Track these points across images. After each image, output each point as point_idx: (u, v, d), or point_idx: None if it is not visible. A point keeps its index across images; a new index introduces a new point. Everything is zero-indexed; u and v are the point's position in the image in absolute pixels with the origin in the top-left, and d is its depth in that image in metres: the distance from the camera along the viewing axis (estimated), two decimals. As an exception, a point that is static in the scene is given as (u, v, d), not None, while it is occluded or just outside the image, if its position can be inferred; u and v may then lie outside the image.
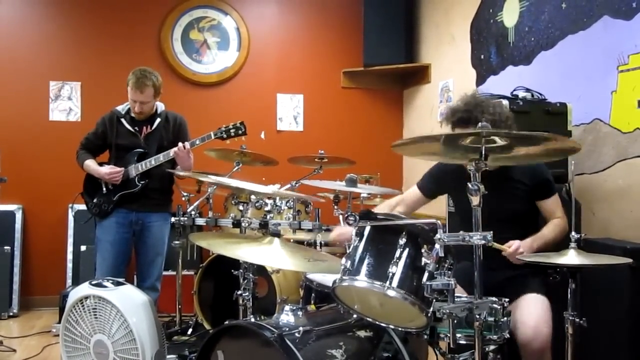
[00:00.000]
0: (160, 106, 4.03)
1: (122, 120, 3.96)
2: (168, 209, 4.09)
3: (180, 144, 3.81)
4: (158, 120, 3.97)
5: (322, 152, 4.39)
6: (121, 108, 4.00)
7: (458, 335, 2.15)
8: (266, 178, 4.28)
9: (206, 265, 4.27)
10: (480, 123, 2.09)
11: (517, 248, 2.58)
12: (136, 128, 3.95)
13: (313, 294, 2.91)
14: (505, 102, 3.41)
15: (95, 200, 3.93)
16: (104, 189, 3.92)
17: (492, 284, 2.51)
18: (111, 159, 4.01)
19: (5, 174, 4.25)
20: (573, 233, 2.37)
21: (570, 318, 2.36)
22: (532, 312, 2.60)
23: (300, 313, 2.42)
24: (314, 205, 4.33)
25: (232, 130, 3.92)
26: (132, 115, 3.95)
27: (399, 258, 2.10)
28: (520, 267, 2.67)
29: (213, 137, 3.90)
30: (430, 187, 3.13)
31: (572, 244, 2.34)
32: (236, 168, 4.23)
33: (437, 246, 2.03)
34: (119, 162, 3.93)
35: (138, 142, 3.94)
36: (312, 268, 2.57)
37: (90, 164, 3.95)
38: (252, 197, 4.10)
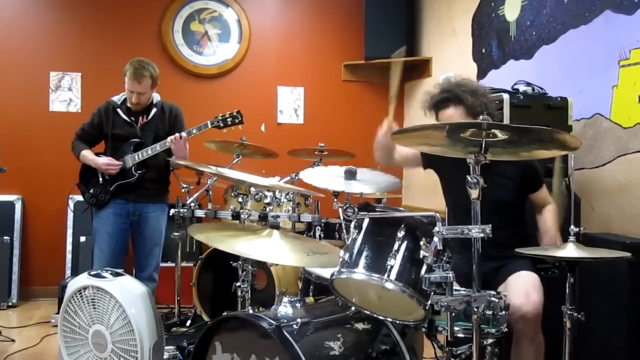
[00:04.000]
0: (156, 97, 4.02)
1: (118, 110, 3.96)
2: (165, 200, 4.10)
3: (176, 134, 3.81)
4: (154, 110, 3.97)
5: (323, 145, 4.39)
6: (117, 98, 3.99)
7: (456, 328, 2.15)
8: (266, 170, 4.28)
9: (205, 257, 4.27)
10: (480, 117, 2.08)
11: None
12: (132, 118, 3.95)
13: (312, 286, 2.92)
14: (505, 96, 3.40)
15: (91, 191, 3.92)
16: (101, 179, 3.92)
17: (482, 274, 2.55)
18: (107, 149, 4.01)
19: (5, 164, 4.24)
20: (572, 227, 2.37)
21: (569, 312, 2.36)
22: (521, 282, 2.65)
23: (298, 305, 2.42)
24: (313, 197, 4.33)
25: (228, 119, 3.92)
26: (128, 105, 3.95)
27: (398, 251, 2.10)
28: (507, 256, 2.74)
29: (210, 126, 3.90)
30: (426, 159, 3.12)
31: (571, 238, 2.34)
32: (236, 160, 4.23)
33: (435, 239, 2.03)
34: (115, 153, 3.93)
35: (134, 132, 3.94)
36: (310, 262, 2.57)
37: (87, 154, 3.95)
38: (252, 189, 4.10)
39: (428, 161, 3.11)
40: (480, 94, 2.81)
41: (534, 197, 2.93)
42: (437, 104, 2.86)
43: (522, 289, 2.60)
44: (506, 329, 2.24)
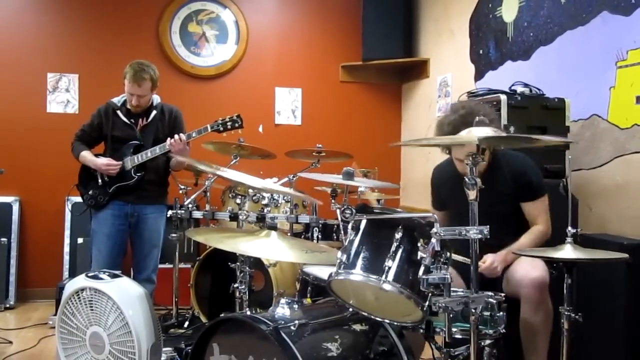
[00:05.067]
0: (156, 98, 4.02)
1: (118, 112, 3.95)
2: (164, 201, 4.09)
3: (175, 136, 3.80)
4: (154, 112, 3.96)
5: (320, 146, 4.38)
6: (117, 100, 3.99)
7: (454, 329, 2.15)
8: (264, 171, 4.27)
9: (203, 258, 4.27)
10: (477, 117, 2.09)
11: (491, 263, 2.68)
12: (132, 120, 3.95)
13: (309, 288, 2.91)
14: (503, 97, 3.41)
15: (90, 192, 3.92)
16: (100, 180, 3.91)
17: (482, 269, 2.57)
18: (107, 150, 4.00)
19: (3, 165, 4.24)
20: (569, 228, 2.37)
21: (566, 313, 2.35)
22: (527, 259, 2.71)
23: (296, 306, 2.42)
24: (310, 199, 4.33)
25: (228, 123, 3.91)
26: (128, 107, 3.94)
27: (395, 252, 2.10)
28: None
29: (209, 130, 3.89)
30: (436, 199, 3.22)
31: (569, 239, 2.34)
32: (234, 161, 4.22)
33: (433, 240, 2.03)
34: (115, 154, 3.92)
35: (134, 134, 3.93)
36: (309, 259, 2.57)
37: (87, 155, 3.94)
38: (250, 190, 4.09)
39: (439, 204, 3.20)
40: (494, 119, 2.82)
41: (524, 208, 2.90)
42: (458, 128, 2.81)
43: (528, 262, 2.67)
44: (504, 330, 2.25)
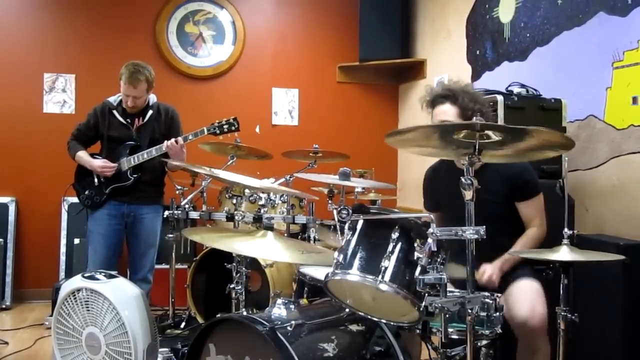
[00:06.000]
0: (152, 98, 4.01)
1: (114, 112, 3.94)
2: (160, 202, 4.09)
3: (172, 139, 3.80)
4: (150, 112, 3.96)
5: (317, 146, 4.38)
6: (113, 99, 3.98)
7: (450, 329, 2.15)
8: (260, 172, 4.26)
9: (200, 258, 4.27)
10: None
11: (489, 276, 2.63)
12: (128, 120, 3.94)
13: (306, 288, 2.91)
14: (499, 97, 3.41)
15: (87, 192, 3.92)
16: (96, 180, 3.91)
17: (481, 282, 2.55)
18: (102, 150, 3.99)
19: (-1, 166, 4.24)
20: (566, 229, 2.37)
21: (563, 314, 2.35)
22: (526, 294, 2.63)
23: (292, 307, 2.42)
24: (307, 199, 4.32)
25: (225, 126, 3.92)
26: (124, 107, 3.94)
27: (392, 252, 2.10)
28: None
29: (206, 133, 3.89)
30: (429, 200, 3.19)
31: (565, 240, 2.34)
32: (230, 162, 4.22)
33: (429, 240, 2.02)
34: (111, 154, 3.92)
35: (130, 134, 3.93)
36: (305, 260, 2.57)
37: (83, 155, 3.93)
38: (246, 191, 4.09)
39: (432, 206, 3.15)
40: (479, 101, 2.81)
41: (520, 208, 2.86)
42: (435, 99, 2.86)
43: (528, 300, 2.59)
44: (500, 330, 2.24)
